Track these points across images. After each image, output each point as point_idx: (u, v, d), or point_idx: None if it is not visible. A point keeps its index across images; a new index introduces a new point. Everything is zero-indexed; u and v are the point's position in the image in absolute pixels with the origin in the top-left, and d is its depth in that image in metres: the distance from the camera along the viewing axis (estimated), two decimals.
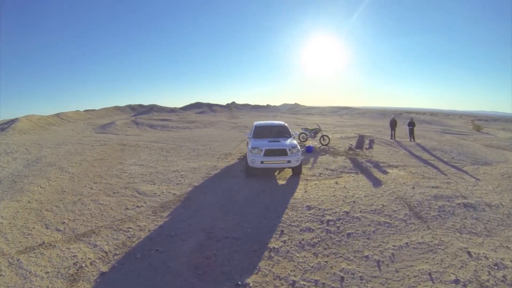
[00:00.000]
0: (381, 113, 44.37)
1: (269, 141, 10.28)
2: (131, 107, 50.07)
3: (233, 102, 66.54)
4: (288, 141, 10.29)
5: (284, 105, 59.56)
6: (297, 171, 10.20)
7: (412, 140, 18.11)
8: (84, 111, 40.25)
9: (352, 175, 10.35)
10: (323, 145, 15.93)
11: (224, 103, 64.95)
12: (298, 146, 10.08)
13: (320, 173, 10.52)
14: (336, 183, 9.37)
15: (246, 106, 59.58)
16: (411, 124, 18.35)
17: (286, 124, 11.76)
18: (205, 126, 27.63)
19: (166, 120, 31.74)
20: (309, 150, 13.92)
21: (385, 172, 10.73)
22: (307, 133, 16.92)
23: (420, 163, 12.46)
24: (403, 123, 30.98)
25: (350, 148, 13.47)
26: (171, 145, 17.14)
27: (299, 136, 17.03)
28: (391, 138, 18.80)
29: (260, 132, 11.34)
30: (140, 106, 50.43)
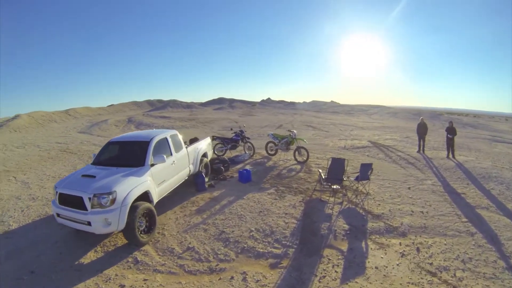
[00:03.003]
0: (416, 113, 33.79)
1: (82, 176, 4.25)
2: (149, 102, 46.25)
3: (268, 98, 59.76)
4: (111, 178, 4.07)
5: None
6: (129, 237, 4.07)
7: (451, 155, 10.12)
8: (97, 107, 36.76)
9: (254, 277, 3.55)
10: (298, 161, 8.98)
11: (259, 99, 58.22)
12: (124, 192, 3.89)
13: (179, 257, 3.91)
14: None
15: (280, 103, 51.85)
16: (451, 132, 10.27)
17: (154, 140, 5.15)
18: (193, 126, 21.95)
19: (165, 117, 26.88)
20: (243, 178, 7.19)
21: (359, 270, 3.69)
22: (276, 142, 10.01)
23: (461, 223, 5.04)
24: (442, 126, 21.74)
25: (319, 181, 6.40)
26: None
27: (266, 146, 10.21)
28: (418, 151, 11.00)
29: (107, 154, 5.23)
30: (159, 101, 46.42)
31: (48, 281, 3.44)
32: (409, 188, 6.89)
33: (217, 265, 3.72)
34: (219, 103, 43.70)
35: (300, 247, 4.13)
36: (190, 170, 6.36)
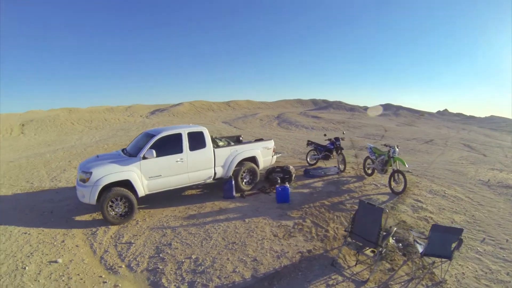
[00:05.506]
0: None
1: (96, 156, 5.84)
2: (314, 101, 47.04)
3: (445, 110, 47.82)
4: (100, 162, 5.28)
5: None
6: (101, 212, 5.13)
7: None
8: (259, 101, 41.37)
9: None
10: (393, 191, 6.63)
11: (435, 109, 47.24)
12: (98, 175, 4.97)
13: (115, 245, 4.29)
14: None
15: (458, 116, 39.43)
16: None
17: (159, 135, 5.63)
18: (334, 129, 20.68)
19: (316, 117, 27.18)
20: (278, 197, 6.22)
21: None
22: (373, 158, 7.69)
23: None
24: None
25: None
26: None
27: (364, 162, 8.16)
28: None
29: (133, 143, 6.39)
30: (324, 101, 46.21)
31: (46, 219, 5.33)
32: None
33: (119, 267, 3.83)
34: (385, 109, 39.15)
35: None
36: (215, 173, 6.38)
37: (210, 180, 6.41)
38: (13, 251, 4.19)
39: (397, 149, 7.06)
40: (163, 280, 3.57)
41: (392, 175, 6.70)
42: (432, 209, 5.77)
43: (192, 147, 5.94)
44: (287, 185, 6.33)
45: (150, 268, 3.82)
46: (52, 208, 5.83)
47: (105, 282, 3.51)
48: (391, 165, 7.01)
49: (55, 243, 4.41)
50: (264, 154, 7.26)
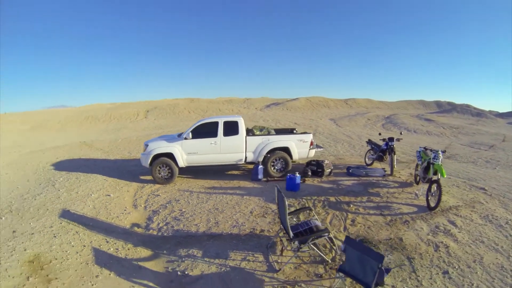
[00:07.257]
0: None
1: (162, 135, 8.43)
2: (438, 103, 37.17)
3: None
4: (158, 138, 7.67)
5: None
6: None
7: None
8: (379, 101, 36.37)
9: None
10: (428, 205, 5.61)
11: None
12: (152, 147, 7.11)
13: (148, 195, 6.22)
14: None
15: None
16: None
17: (199, 123, 7.34)
18: (439, 134, 16.72)
19: (429, 120, 22.47)
20: (289, 185, 6.60)
21: None
22: (419, 162, 6.76)
23: None
24: None
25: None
26: None
27: (415, 168, 7.33)
28: None
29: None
30: (449, 103, 35.99)
31: (123, 175, 7.84)
32: None
33: (140, 206, 5.78)
34: None
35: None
36: (246, 157, 7.44)
37: (241, 163, 7.56)
38: (92, 187, 6.92)
39: (440, 155, 5.85)
40: (154, 218, 5.22)
41: (429, 186, 5.67)
42: (462, 238, 4.42)
43: (226, 133, 7.25)
44: (297, 174, 6.63)
45: (154, 210, 5.55)
46: (131, 169, 8.63)
47: (125, 210, 5.54)
48: (429, 173, 5.91)
49: (117, 187, 6.92)
50: (299, 146, 7.65)
